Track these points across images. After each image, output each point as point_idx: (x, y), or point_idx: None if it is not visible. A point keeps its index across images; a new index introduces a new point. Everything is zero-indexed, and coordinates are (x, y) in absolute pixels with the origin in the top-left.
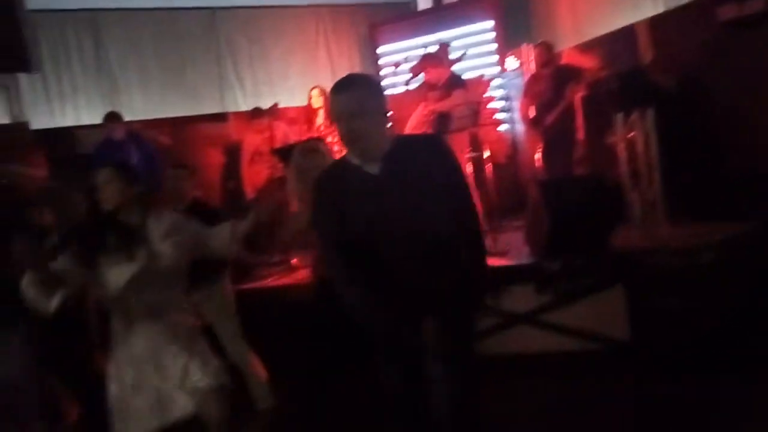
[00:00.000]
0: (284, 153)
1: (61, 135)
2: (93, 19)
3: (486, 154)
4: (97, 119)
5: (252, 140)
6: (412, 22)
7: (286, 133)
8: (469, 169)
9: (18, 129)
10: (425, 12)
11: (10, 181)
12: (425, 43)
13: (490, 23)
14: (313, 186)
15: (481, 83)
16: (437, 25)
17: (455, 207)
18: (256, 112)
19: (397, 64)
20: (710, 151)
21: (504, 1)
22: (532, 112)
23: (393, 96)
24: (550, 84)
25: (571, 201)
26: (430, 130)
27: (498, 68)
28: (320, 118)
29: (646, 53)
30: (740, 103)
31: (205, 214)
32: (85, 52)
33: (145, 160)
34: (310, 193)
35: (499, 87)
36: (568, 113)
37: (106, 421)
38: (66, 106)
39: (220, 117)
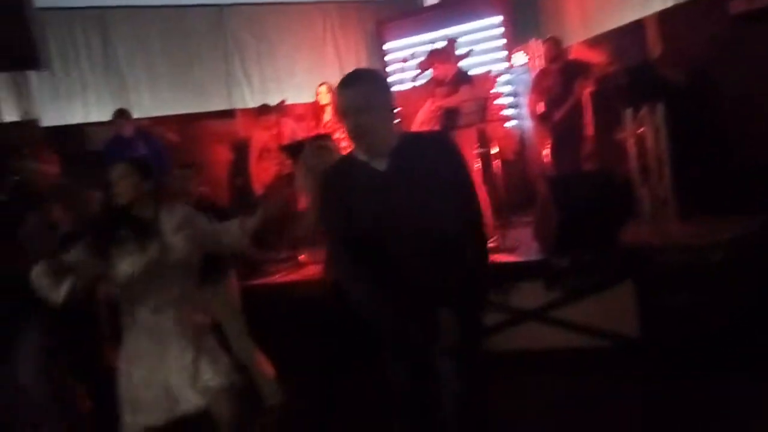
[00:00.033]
0: (292, 150)
1: (71, 132)
2: (101, 16)
3: (494, 150)
4: (106, 116)
5: (260, 137)
6: (420, 18)
7: (294, 130)
8: (477, 165)
9: (28, 126)
10: (432, 8)
11: (23, 177)
12: (432, 39)
13: (498, 18)
14: (319, 182)
15: (489, 79)
16: (444, 21)
17: (460, 204)
18: (264, 109)
19: (404, 60)
20: (720, 146)
21: None
22: (540, 108)
23: (400, 92)
24: (559, 79)
25: (580, 197)
26: (437, 126)
27: (506, 64)
28: (328, 115)
29: (656, 48)
30: (751, 98)
31: (211, 211)
32: (94, 49)
33: (153, 156)
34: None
35: (507, 83)
36: (577, 109)
37: (115, 414)
38: (75, 104)
39: (228, 114)
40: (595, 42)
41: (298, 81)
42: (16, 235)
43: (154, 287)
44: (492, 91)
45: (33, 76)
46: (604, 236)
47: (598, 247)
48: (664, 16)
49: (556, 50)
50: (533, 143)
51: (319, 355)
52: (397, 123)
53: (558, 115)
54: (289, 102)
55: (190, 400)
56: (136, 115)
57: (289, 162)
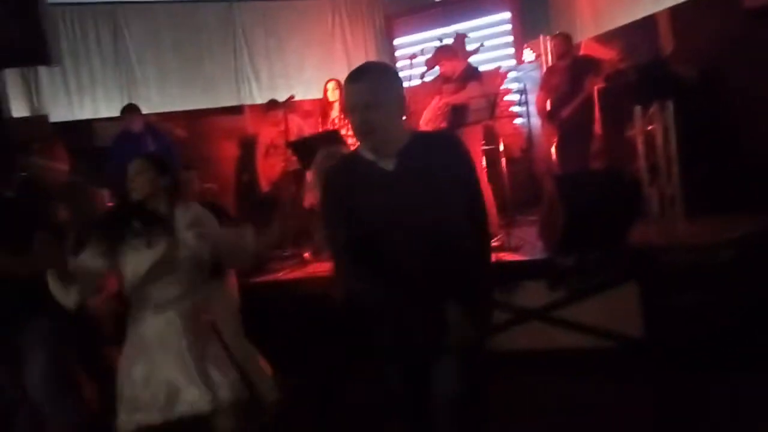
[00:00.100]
0: (299, 146)
1: (79, 128)
2: (112, 12)
3: (501, 147)
4: (115, 112)
5: (267, 133)
6: (429, 13)
7: (301, 126)
8: (483, 162)
9: (37, 122)
10: (441, 4)
11: (30, 173)
12: (442, 34)
13: (507, 14)
14: (321, 179)
15: (498, 75)
16: (454, 17)
17: (467, 206)
18: (272, 104)
19: (412, 57)
20: (730, 144)
21: None
22: (548, 106)
23: (408, 88)
24: (567, 76)
25: (587, 196)
26: (444, 123)
27: (514, 60)
28: (335, 112)
29: (667, 44)
30: (763, 95)
31: (211, 211)
32: (104, 45)
33: (161, 152)
34: None
35: (516, 79)
36: (585, 106)
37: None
38: (84, 99)
39: (236, 110)
40: (605, 38)
41: (306, 77)
42: (23, 232)
43: (161, 284)
44: (501, 88)
45: (43, 71)
46: (611, 236)
47: (604, 246)
48: (676, 11)
49: (565, 46)
50: (540, 141)
51: (322, 352)
52: (405, 120)
53: (566, 112)
54: (297, 98)
55: (193, 402)
56: (145, 110)
57: (295, 158)
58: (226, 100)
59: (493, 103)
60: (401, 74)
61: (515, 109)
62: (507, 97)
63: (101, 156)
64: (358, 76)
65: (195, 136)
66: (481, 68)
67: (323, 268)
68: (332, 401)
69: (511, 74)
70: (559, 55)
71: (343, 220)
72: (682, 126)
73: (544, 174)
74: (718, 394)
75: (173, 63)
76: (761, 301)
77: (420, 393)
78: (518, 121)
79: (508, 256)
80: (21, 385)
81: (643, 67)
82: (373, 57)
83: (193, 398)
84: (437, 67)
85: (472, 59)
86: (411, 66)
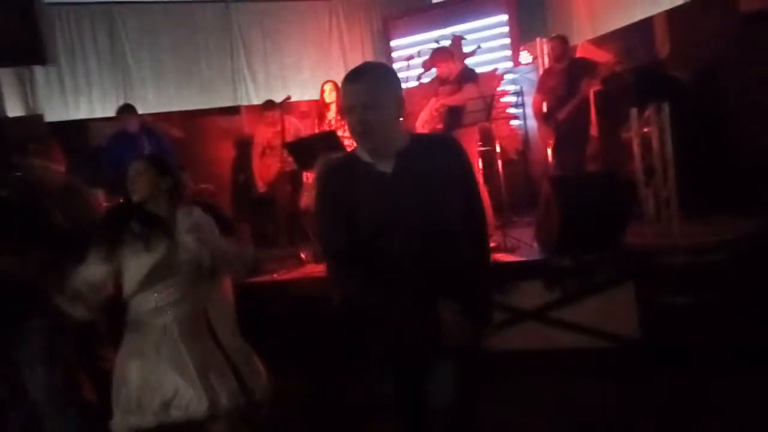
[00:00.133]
0: (296, 147)
1: (75, 127)
2: (108, 11)
3: (497, 149)
4: (111, 112)
5: (263, 133)
6: (426, 15)
7: (298, 127)
8: (479, 163)
9: (32, 121)
10: (439, 5)
11: (26, 173)
12: (439, 36)
13: (504, 17)
14: (317, 181)
15: (495, 77)
16: (451, 19)
17: (465, 208)
18: (268, 104)
19: (409, 58)
20: (726, 146)
21: None
22: (545, 108)
23: (405, 90)
24: (564, 78)
25: (583, 198)
26: (440, 125)
27: (511, 62)
28: (332, 113)
29: (664, 47)
30: (759, 98)
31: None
32: (100, 44)
33: (157, 153)
34: None
35: (512, 81)
36: (582, 108)
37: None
38: (80, 99)
39: (233, 110)
40: (602, 41)
41: (303, 78)
42: (18, 232)
43: (160, 287)
44: (498, 89)
45: (39, 70)
46: (607, 237)
47: (600, 247)
48: (672, 14)
49: (562, 49)
50: (536, 143)
51: (319, 352)
52: (402, 121)
53: (562, 114)
54: (293, 99)
55: (190, 406)
56: (141, 110)
57: (291, 159)
58: (222, 100)
59: (489, 105)
60: (398, 76)
61: (512, 110)
62: (503, 99)
63: (97, 156)
64: (356, 76)
65: (191, 136)
66: (478, 70)
67: (319, 268)
68: (328, 402)
69: (508, 76)
70: (555, 58)
71: (340, 222)
72: (678, 128)
73: (540, 176)
74: (714, 394)
75: (170, 63)
76: (756, 301)
77: (414, 396)
78: (515, 122)
79: (504, 257)
80: (16, 385)
81: (640, 69)
82: (370, 58)
83: (190, 402)
84: (434, 69)
85: (468, 61)
86: (408, 68)
